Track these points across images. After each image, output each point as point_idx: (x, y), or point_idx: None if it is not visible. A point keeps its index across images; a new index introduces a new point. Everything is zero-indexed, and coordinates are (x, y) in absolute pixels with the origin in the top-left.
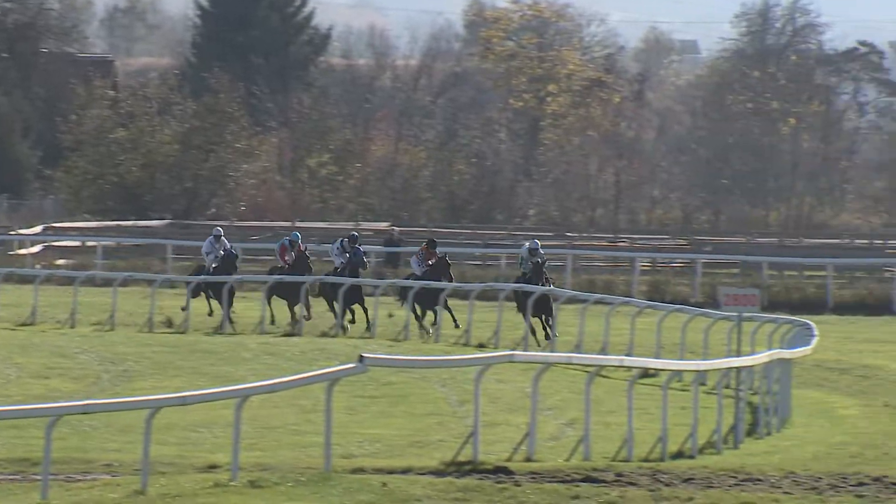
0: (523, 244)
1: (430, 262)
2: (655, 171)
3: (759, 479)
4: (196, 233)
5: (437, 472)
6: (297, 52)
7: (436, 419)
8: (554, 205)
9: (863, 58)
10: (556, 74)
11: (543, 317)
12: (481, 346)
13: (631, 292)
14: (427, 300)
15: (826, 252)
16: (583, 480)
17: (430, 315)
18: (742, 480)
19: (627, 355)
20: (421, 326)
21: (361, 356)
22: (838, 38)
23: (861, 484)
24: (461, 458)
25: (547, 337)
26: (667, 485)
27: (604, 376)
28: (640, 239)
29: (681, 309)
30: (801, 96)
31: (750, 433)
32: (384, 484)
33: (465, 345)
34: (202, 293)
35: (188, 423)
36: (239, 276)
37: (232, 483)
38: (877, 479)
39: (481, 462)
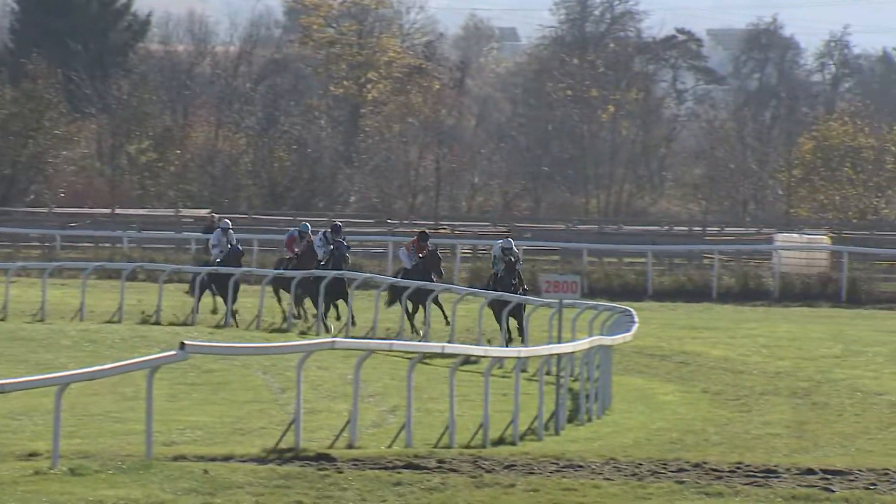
0: (496, 243)
1: (420, 255)
2: (476, 158)
3: (580, 466)
4: (16, 219)
5: (259, 460)
6: (117, 38)
7: (257, 406)
8: (375, 192)
9: (681, 45)
10: (376, 61)
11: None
12: (303, 333)
13: (452, 279)
14: (418, 297)
15: (646, 239)
16: (405, 467)
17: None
18: (563, 467)
19: (449, 342)
20: (412, 326)
21: (182, 343)
22: (656, 25)
23: (681, 470)
24: (283, 446)
25: (521, 338)
26: (488, 471)
27: (425, 363)
28: (461, 226)
29: (502, 296)
30: (619, 84)
31: (571, 420)
32: (206, 471)
33: (287, 332)
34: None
35: (7, 410)
36: (246, 269)
37: (52, 471)
38: (696, 465)
39: (303, 449)
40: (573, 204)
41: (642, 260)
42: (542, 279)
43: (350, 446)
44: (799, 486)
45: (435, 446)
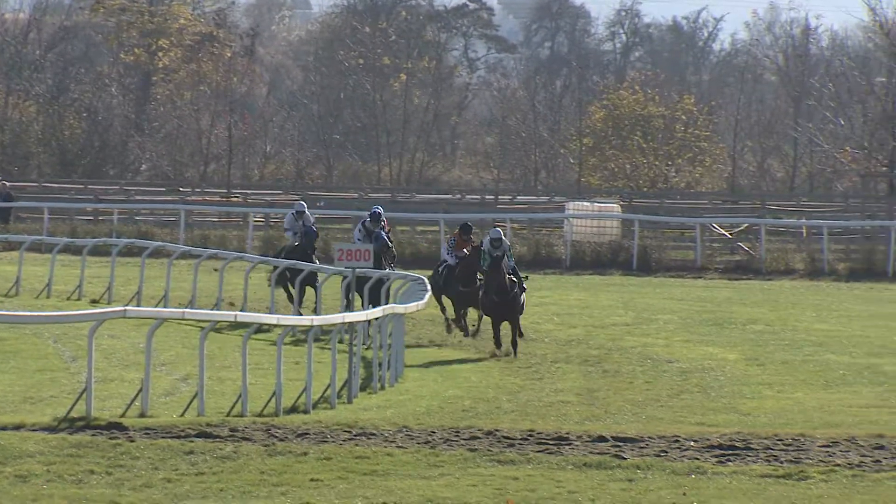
0: (485, 236)
1: (465, 251)
2: (268, 126)
3: (373, 434)
4: None
5: (50, 429)
6: None
7: (49, 375)
8: (166, 160)
9: (472, 14)
10: (168, 29)
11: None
12: (94, 301)
13: (245, 247)
14: (466, 299)
15: (438, 207)
16: (197, 436)
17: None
18: (356, 435)
19: (241, 310)
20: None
21: None
22: None
23: (474, 437)
24: (74, 414)
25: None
26: (281, 440)
27: (218, 332)
28: (254, 194)
29: (295, 264)
30: (411, 52)
31: (364, 388)
32: None
33: (79, 300)
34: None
35: None
36: (318, 265)
37: None
38: (489, 433)
39: (95, 418)
40: (366, 172)
41: (435, 228)
42: (335, 248)
43: (142, 415)
44: (591, 453)
45: (228, 415)
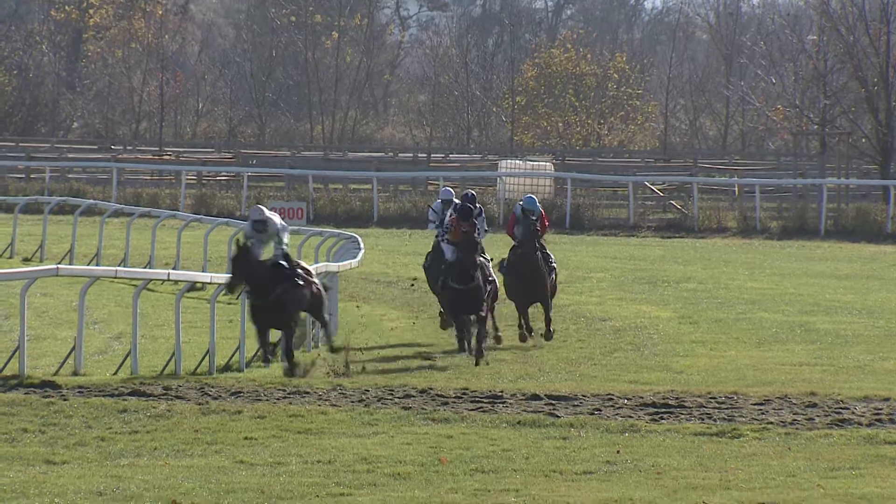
0: (518, 203)
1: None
2: (200, 84)
3: (307, 392)
4: None
5: None
6: None
7: None
8: (98, 117)
9: None
10: None
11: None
12: (27, 259)
13: (178, 206)
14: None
15: (371, 166)
16: (131, 394)
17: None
18: (290, 393)
19: (174, 269)
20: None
21: None
22: None
23: (407, 396)
24: (7, 373)
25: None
26: (215, 398)
27: (151, 290)
28: (186, 152)
29: (227, 222)
30: (343, 10)
31: (298, 346)
32: None
33: (11, 258)
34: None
35: None
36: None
37: None
38: (423, 392)
39: (28, 376)
40: (298, 130)
41: (367, 186)
42: (268, 205)
43: (75, 373)
44: (525, 411)
45: (161, 373)
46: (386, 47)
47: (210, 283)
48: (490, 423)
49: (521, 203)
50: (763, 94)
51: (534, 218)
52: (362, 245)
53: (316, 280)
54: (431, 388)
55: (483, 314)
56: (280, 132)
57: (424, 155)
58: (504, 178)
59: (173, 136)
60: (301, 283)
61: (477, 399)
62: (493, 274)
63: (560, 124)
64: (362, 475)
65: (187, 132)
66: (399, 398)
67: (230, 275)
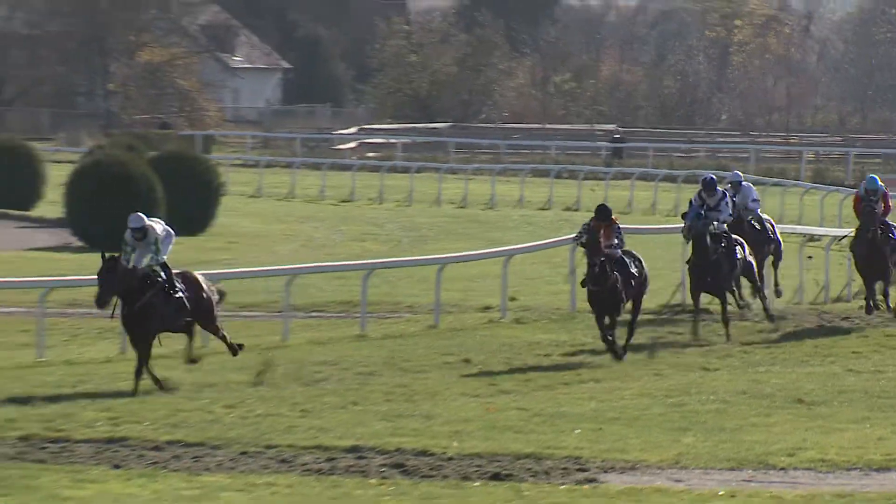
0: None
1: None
2: (817, 85)
3: None
4: (471, 132)
5: None
6: None
7: None
8: (740, 111)
9: None
10: (741, 11)
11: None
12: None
13: (799, 177)
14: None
15: None
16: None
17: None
18: None
19: (798, 225)
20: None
21: None
22: None
23: None
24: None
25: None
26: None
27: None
28: (806, 136)
29: (838, 189)
30: None
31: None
32: None
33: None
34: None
35: (468, 275)
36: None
37: (502, 320)
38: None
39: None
40: (893, 119)
41: None
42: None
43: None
44: None
45: None
46: None
47: (824, 235)
48: None
49: (863, 183)
50: None
51: (874, 198)
52: None
53: (206, 288)
54: None
55: (618, 315)
56: (879, 121)
57: None
58: None
59: (797, 124)
60: (173, 291)
61: None
62: (644, 271)
63: None
64: None
65: (808, 121)
66: None
67: (98, 288)
